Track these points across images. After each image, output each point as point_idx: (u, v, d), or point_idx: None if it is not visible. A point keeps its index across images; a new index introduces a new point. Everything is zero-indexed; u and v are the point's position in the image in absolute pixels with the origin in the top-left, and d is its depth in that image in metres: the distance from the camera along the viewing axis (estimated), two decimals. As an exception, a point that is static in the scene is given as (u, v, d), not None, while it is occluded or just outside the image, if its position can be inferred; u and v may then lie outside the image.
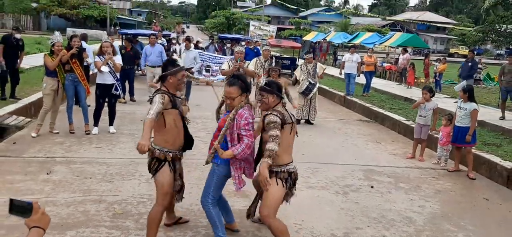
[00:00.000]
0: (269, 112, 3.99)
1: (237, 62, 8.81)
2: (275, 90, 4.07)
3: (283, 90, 4.75)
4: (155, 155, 3.98)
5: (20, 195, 5.13)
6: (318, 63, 10.84)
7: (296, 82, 11.09)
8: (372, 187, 6.39)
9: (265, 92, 4.08)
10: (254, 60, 10.06)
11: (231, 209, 4.63)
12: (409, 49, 22.39)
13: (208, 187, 4.12)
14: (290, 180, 4.12)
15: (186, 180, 5.96)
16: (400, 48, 22.63)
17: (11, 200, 1.99)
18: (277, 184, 4.03)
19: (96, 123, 8.29)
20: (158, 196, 4.04)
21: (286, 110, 4.14)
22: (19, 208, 2.00)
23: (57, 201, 5.08)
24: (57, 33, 8.25)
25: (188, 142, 4.22)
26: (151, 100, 3.92)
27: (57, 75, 7.83)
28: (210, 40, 20.08)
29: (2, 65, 9.82)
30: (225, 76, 8.85)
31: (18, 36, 10.33)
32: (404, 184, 6.66)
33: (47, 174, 5.94)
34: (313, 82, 10.20)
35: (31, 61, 15.88)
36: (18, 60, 10.39)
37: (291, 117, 4.11)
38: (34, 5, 47.79)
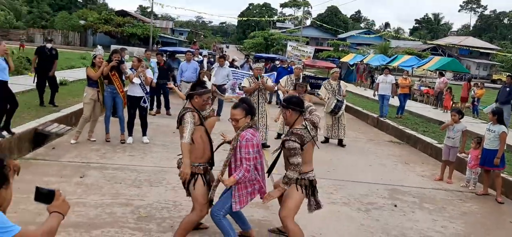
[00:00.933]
0: (288, 137, 4.15)
1: (256, 79, 8.92)
2: (291, 105, 4.25)
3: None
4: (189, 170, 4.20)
5: (54, 195, 5.46)
6: (342, 81, 10.87)
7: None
8: (395, 205, 6.37)
9: (283, 108, 4.35)
10: (285, 77, 10.23)
11: (245, 217, 4.76)
12: (449, 74, 21.97)
13: (224, 202, 4.26)
14: (311, 188, 4.33)
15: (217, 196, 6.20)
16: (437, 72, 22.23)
17: (37, 188, 2.18)
18: (297, 190, 4.25)
19: (130, 133, 8.67)
20: (196, 208, 4.28)
21: (306, 126, 4.25)
22: (43, 196, 2.19)
23: (87, 202, 5.37)
24: (99, 47, 8.82)
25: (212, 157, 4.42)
26: (181, 120, 4.18)
27: (98, 86, 8.28)
28: (245, 59, 20.43)
29: (34, 75, 10.52)
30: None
31: (49, 46, 11.14)
32: (429, 204, 6.59)
33: (80, 177, 6.29)
34: (340, 100, 10.18)
35: (75, 74, 16.73)
36: (53, 68, 11.07)
37: (311, 132, 4.23)
38: (82, 22, 50.11)
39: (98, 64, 8.23)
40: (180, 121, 4.23)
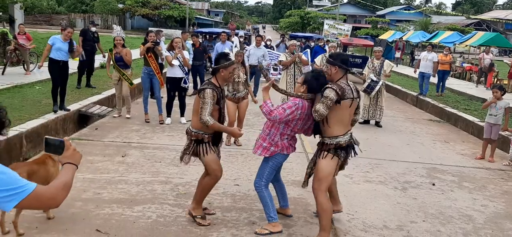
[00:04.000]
0: (330, 85, 4.04)
1: (292, 53, 9.18)
2: (338, 62, 4.15)
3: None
4: (193, 137, 4.38)
5: (98, 173, 5.73)
6: (386, 61, 10.54)
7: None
8: (433, 184, 6.28)
9: (328, 63, 4.21)
10: (320, 56, 10.14)
11: (286, 192, 4.83)
12: (494, 49, 21.09)
13: (262, 171, 4.38)
14: (342, 152, 4.16)
15: (247, 168, 6.31)
16: (482, 48, 21.40)
17: (46, 139, 2.11)
18: (325, 157, 4.14)
19: (168, 114, 8.90)
20: (211, 173, 4.43)
21: (349, 85, 4.16)
22: (53, 146, 2.10)
23: (129, 180, 5.60)
24: (117, 27, 9.12)
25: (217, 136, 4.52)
26: (201, 92, 4.27)
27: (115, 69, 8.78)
28: (281, 38, 20.33)
29: (83, 55, 10.84)
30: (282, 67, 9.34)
31: (93, 29, 11.52)
32: (468, 183, 6.46)
33: (122, 156, 6.54)
34: (375, 80, 9.84)
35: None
36: (99, 51, 11.78)
37: (353, 92, 4.12)
38: (120, 6, 51.13)
39: (117, 44, 8.62)
40: (200, 92, 4.31)
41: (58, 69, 7.92)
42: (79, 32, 11.77)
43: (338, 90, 3.97)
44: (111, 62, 8.83)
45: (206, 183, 4.49)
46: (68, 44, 7.90)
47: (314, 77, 4.22)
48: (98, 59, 12.96)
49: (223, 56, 4.51)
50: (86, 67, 11.17)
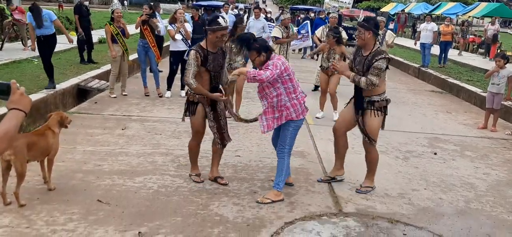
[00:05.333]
0: (382, 56, 4.33)
1: (286, 27, 9.11)
2: (372, 26, 4.34)
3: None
4: (188, 97, 4.62)
5: (99, 145, 5.71)
6: (389, 31, 10.39)
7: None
8: (435, 153, 6.26)
9: (362, 28, 4.38)
10: (321, 28, 10.01)
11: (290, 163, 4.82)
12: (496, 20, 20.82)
13: (284, 139, 4.37)
14: (386, 105, 4.61)
15: (248, 140, 6.28)
16: (487, 19, 21.13)
17: None
18: (375, 116, 4.53)
19: (169, 88, 8.83)
20: (192, 133, 4.73)
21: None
22: None
23: (129, 152, 5.57)
24: (116, 1, 8.91)
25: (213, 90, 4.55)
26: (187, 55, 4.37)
27: (119, 42, 8.32)
28: (280, 11, 20.09)
29: (82, 34, 10.72)
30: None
31: (86, 3, 11.27)
32: (470, 152, 6.44)
33: (122, 129, 6.51)
34: None
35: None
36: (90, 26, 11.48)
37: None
38: (119, -19, 50.50)
39: (117, 19, 8.34)
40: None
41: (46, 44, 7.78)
42: (73, 9, 11.59)
43: (386, 62, 4.35)
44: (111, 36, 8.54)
45: (189, 143, 4.81)
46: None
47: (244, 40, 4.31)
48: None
49: (213, 19, 4.48)
50: (85, 43, 11.05)
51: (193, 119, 4.60)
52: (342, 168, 4.98)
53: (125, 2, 9.27)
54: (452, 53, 17.14)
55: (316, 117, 7.75)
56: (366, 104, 4.52)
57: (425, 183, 5.17)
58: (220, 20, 4.42)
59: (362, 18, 5.01)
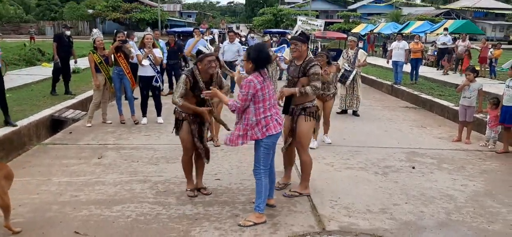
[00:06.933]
0: (315, 62, 4.80)
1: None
2: (305, 38, 4.88)
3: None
4: (175, 115, 4.90)
5: (74, 176, 5.55)
6: (361, 50, 10.52)
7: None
8: (413, 167, 6.32)
9: (299, 42, 4.83)
10: (288, 49, 10.10)
11: (274, 187, 4.80)
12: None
13: (257, 159, 4.33)
14: (316, 112, 4.96)
15: (227, 162, 6.23)
16: (459, 35, 21.68)
17: None
18: (308, 120, 4.84)
19: (144, 114, 8.72)
20: (182, 148, 4.92)
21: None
22: None
23: (106, 181, 5.44)
24: (95, 30, 8.86)
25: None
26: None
27: (102, 71, 8.30)
28: (249, 30, 20.36)
29: (58, 61, 10.53)
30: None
31: (68, 33, 11.13)
32: (447, 165, 6.53)
33: (99, 158, 6.36)
34: (348, 69, 9.69)
35: (86, 62, 16.71)
36: (72, 56, 11.21)
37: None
38: (90, 11, 50.28)
39: (99, 47, 8.28)
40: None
41: None
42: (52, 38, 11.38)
43: (319, 65, 4.85)
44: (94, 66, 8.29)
45: (181, 158, 5.02)
46: None
47: (257, 51, 4.23)
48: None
49: (197, 53, 4.73)
50: (61, 73, 10.83)
51: (181, 135, 4.84)
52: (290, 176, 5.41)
53: (97, 30, 9.32)
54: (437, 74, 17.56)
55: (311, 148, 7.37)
56: (299, 111, 4.87)
57: (406, 197, 5.20)
58: (202, 48, 4.71)
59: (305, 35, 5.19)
